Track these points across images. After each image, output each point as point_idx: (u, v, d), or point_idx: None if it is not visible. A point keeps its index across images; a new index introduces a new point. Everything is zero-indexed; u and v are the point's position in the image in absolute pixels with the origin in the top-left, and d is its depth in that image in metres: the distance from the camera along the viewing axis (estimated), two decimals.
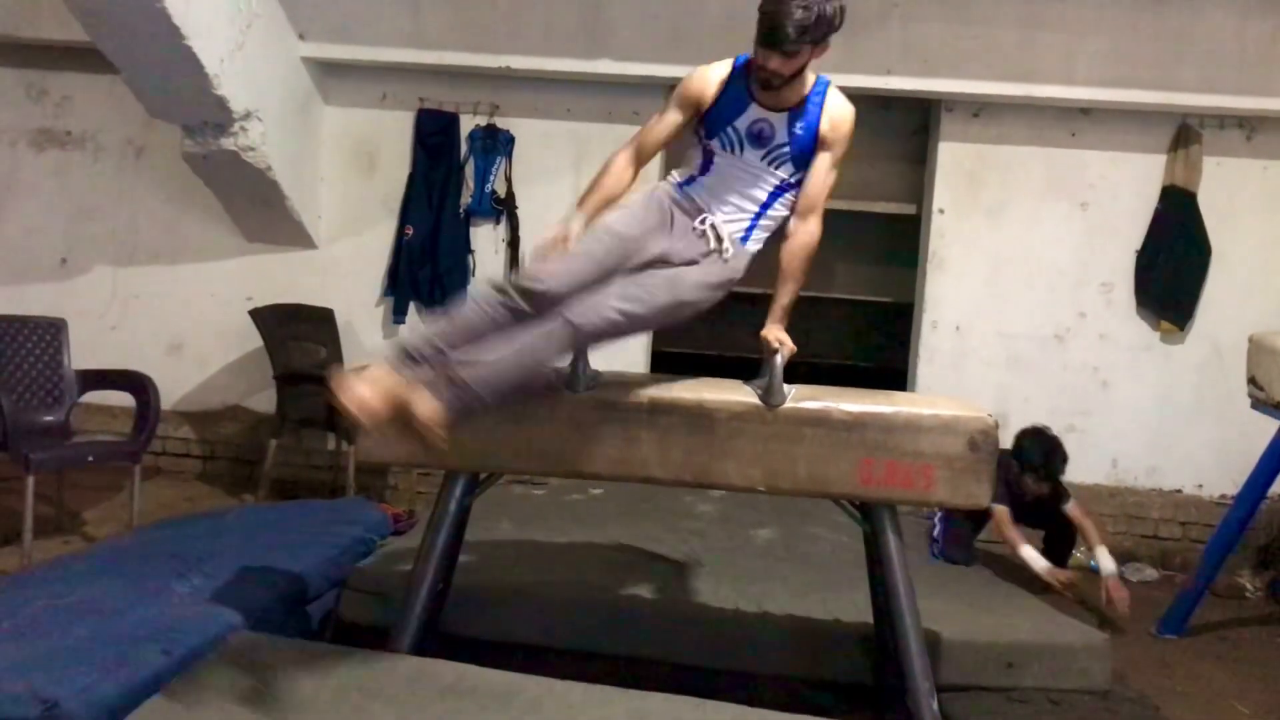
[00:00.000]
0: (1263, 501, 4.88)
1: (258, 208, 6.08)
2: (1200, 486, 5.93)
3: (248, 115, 5.46)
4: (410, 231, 6.14)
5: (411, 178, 6.21)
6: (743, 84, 2.91)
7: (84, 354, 5.38)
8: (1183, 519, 5.88)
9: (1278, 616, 5.12)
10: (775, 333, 2.92)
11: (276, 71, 5.73)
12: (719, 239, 2.90)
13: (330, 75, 6.22)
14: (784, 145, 2.91)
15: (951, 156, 6.06)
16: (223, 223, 6.30)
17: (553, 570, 3.89)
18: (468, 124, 6.19)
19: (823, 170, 2.97)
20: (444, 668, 2.77)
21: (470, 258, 6.21)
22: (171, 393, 6.15)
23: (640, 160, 3.00)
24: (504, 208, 6.19)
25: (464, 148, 6.19)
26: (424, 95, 6.19)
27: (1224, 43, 5.51)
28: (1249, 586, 5.43)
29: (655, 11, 5.62)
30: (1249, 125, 5.85)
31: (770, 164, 2.93)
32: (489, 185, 6.17)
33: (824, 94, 2.93)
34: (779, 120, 2.90)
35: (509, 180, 6.18)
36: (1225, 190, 5.86)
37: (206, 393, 6.45)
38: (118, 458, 5.00)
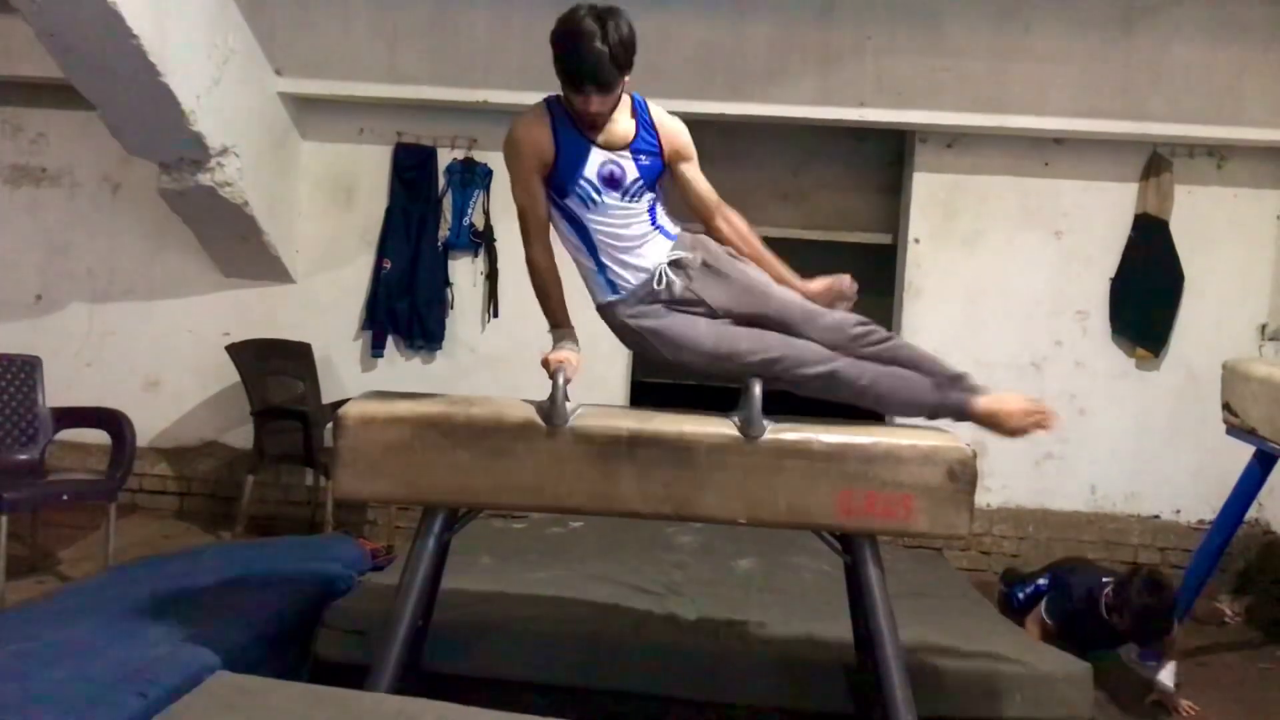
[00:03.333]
0: (1240, 526, 4.92)
1: (235, 243, 6.07)
2: (1178, 512, 5.96)
3: (224, 151, 5.46)
4: (388, 265, 6.14)
5: (389, 211, 6.22)
6: (573, 129, 2.84)
7: (59, 391, 5.35)
8: (1161, 544, 5.90)
9: (1257, 641, 5.14)
10: (820, 281, 3.07)
11: (253, 107, 5.74)
12: (675, 269, 2.91)
13: (307, 110, 6.23)
14: (636, 179, 2.88)
15: (926, 187, 6.11)
16: (200, 258, 6.28)
17: (534, 605, 3.87)
18: (445, 158, 6.21)
19: (694, 177, 3.00)
20: (424, 706, 2.74)
21: (449, 291, 6.21)
22: (148, 429, 6.10)
23: (546, 238, 2.97)
24: (482, 240, 6.19)
25: (442, 181, 6.20)
26: (401, 129, 6.21)
27: (1193, 72, 5.59)
28: (1228, 611, 5.44)
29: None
30: (1219, 154, 5.92)
31: (630, 200, 2.89)
32: (467, 218, 6.18)
33: (648, 115, 2.92)
34: (623, 158, 2.87)
35: (487, 213, 6.20)
36: (1197, 218, 5.92)
37: (183, 429, 6.40)
38: (93, 496, 4.96)
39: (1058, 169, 6.02)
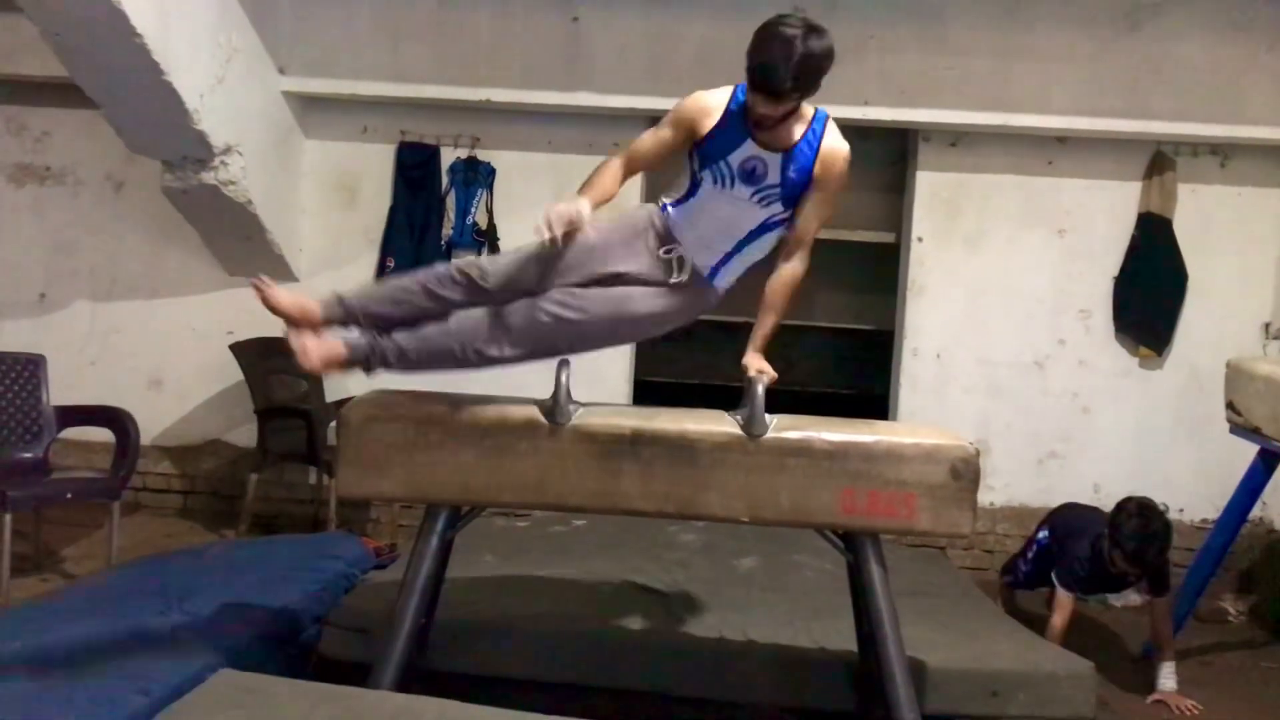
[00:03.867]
0: (1243, 525, 4.92)
1: (238, 241, 6.07)
2: (1181, 511, 5.94)
3: (228, 149, 5.46)
4: (391, 264, 6.14)
5: (393, 210, 6.22)
6: (740, 118, 2.87)
7: (63, 390, 5.35)
8: None
9: (1260, 640, 5.13)
10: (755, 361, 2.94)
11: (257, 106, 5.74)
12: (680, 269, 2.90)
13: (311, 109, 6.24)
14: (775, 186, 2.89)
15: (929, 185, 6.11)
16: (203, 257, 6.29)
17: (536, 603, 3.87)
18: (449, 156, 6.21)
19: (813, 207, 2.96)
20: (427, 704, 2.74)
21: None
22: (151, 428, 6.11)
23: (629, 172, 2.99)
24: (485, 239, 6.19)
25: (445, 180, 6.21)
26: (405, 128, 6.21)
27: (1197, 71, 5.59)
28: (1231, 611, 5.44)
29: (634, 44, 5.66)
30: (1222, 152, 5.91)
31: (758, 201, 2.91)
32: (470, 217, 6.18)
33: (820, 132, 2.92)
34: (773, 160, 2.87)
35: (490, 212, 6.20)
36: (1200, 216, 5.92)
37: (187, 427, 6.41)
38: (97, 494, 4.97)
39: (1061, 167, 6.01)
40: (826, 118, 2.95)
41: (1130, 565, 4.21)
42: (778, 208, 2.93)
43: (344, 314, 2.88)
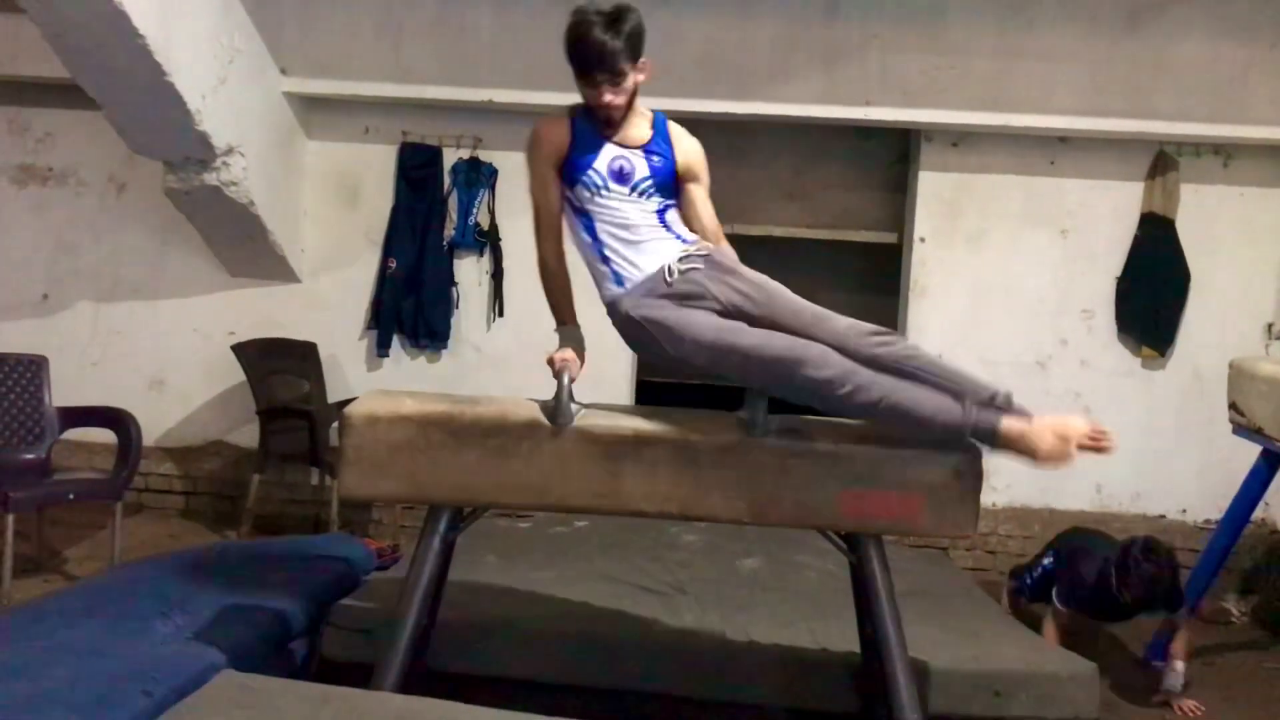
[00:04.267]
0: (1246, 526, 4.91)
1: (240, 242, 6.08)
2: (1184, 512, 5.95)
3: (230, 150, 5.46)
4: (393, 264, 6.14)
5: (394, 211, 6.22)
6: (589, 125, 2.93)
7: (65, 391, 5.35)
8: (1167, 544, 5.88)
9: (1263, 641, 5.13)
10: None
11: (259, 106, 5.74)
12: (682, 263, 2.90)
13: (313, 109, 6.24)
14: (647, 178, 2.94)
15: (931, 185, 6.10)
16: (205, 257, 6.29)
17: (539, 604, 3.87)
18: (451, 157, 6.21)
19: (701, 201, 3.05)
20: (430, 705, 2.75)
21: (454, 290, 6.21)
22: (153, 428, 6.11)
23: (557, 236, 3.02)
24: (487, 240, 6.20)
25: (447, 181, 6.20)
26: (407, 129, 6.21)
27: (1199, 70, 5.58)
28: (1234, 611, 5.44)
29: None
30: (1225, 152, 5.91)
31: (639, 196, 2.94)
32: (472, 218, 6.18)
33: (666, 128, 3.01)
34: (635, 156, 2.94)
35: (492, 213, 6.20)
36: (1203, 217, 5.91)
37: (189, 428, 6.41)
38: (99, 495, 4.97)
39: (1063, 168, 6.00)
40: (664, 116, 3.04)
41: (1141, 600, 4.15)
42: (658, 198, 2.97)
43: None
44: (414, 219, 6.19)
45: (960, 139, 6.03)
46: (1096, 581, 4.29)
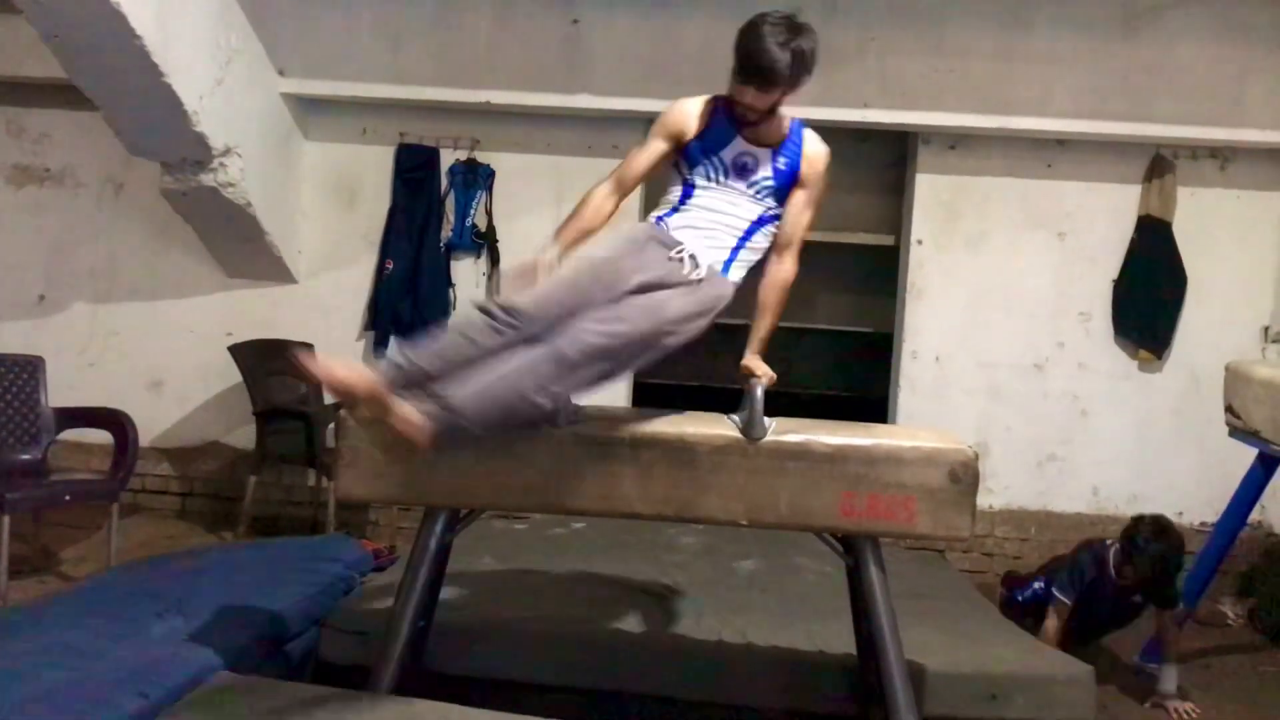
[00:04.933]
0: (1242, 529, 4.91)
1: (237, 243, 6.07)
2: (1180, 514, 5.93)
3: (227, 151, 5.46)
4: (391, 266, 6.13)
5: (392, 212, 6.21)
6: (725, 117, 2.96)
7: (62, 391, 5.35)
8: None
9: (1259, 644, 5.13)
10: (754, 363, 2.96)
11: (256, 107, 5.74)
12: (695, 265, 2.88)
13: (310, 110, 6.24)
14: (768, 178, 2.97)
15: (929, 188, 6.11)
16: (202, 258, 6.28)
17: (536, 605, 3.87)
18: (448, 158, 6.20)
19: (799, 207, 3.04)
20: (426, 707, 2.75)
21: (451, 291, 6.20)
22: (150, 429, 6.10)
23: (622, 191, 3.02)
24: (484, 241, 6.19)
25: (444, 182, 6.20)
26: (404, 130, 6.21)
27: (1197, 74, 5.59)
28: (1230, 614, 5.44)
29: (633, 46, 5.65)
30: (1222, 155, 5.91)
31: (754, 195, 2.98)
32: (469, 219, 6.18)
33: (800, 135, 3.02)
34: (763, 155, 2.97)
35: (489, 214, 6.20)
36: (1200, 220, 5.92)
37: (186, 429, 6.40)
38: (96, 496, 4.97)
39: (1061, 170, 6.01)
40: (803, 124, 3.05)
41: (1143, 580, 4.18)
42: (771, 202, 3.00)
43: (404, 381, 2.57)
44: (411, 220, 6.18)
45: (958, 141, 6.03)
46: (1095, 568, 4.33)
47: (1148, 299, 5.89)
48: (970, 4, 5.63)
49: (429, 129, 6.19)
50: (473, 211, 6.18)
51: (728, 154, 2.96)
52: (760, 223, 3.00)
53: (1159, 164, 5.90)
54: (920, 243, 6.12)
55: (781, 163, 2.98)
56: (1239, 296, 5.94)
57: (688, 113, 3.01)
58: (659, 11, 5.58)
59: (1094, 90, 5.65)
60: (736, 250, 2.97)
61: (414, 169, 6.20)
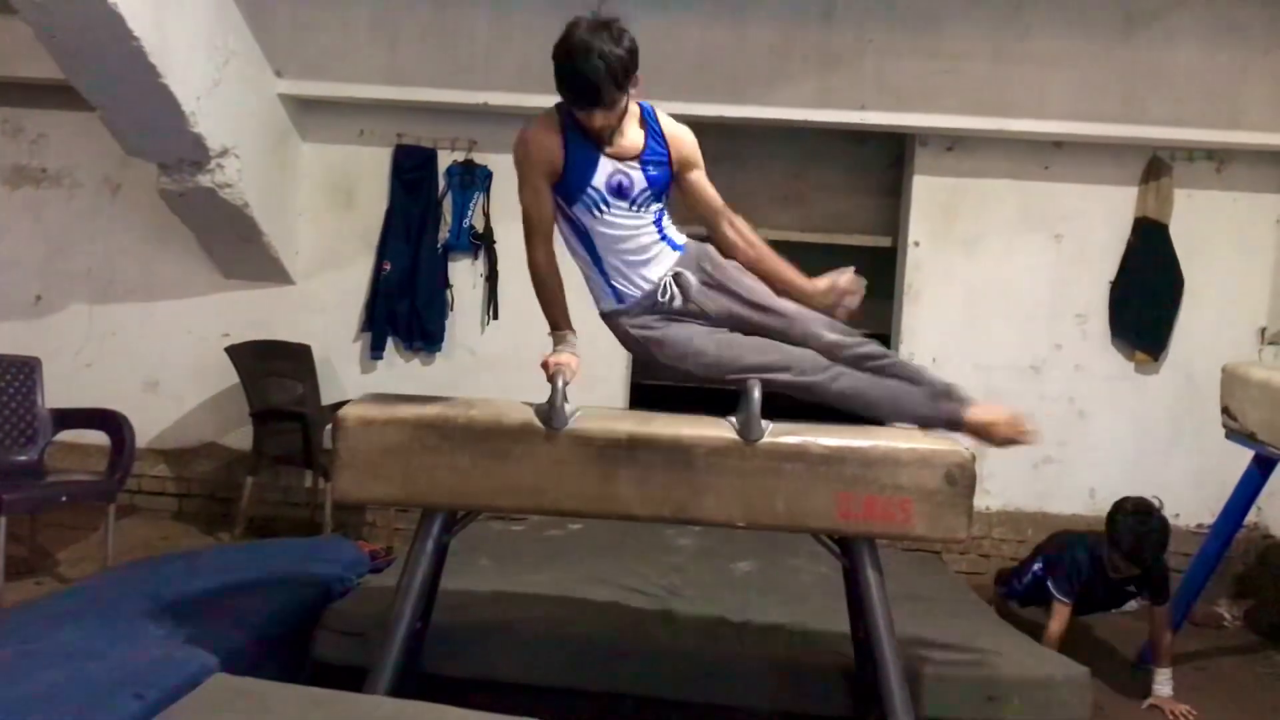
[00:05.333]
0: (1238, 530, 4.92)
1: (234, 244, 6.07)
2: (1177, 516, 5.92)
3: (224, 152, 5.46)
4: (388, 267, 6.13)
5: (389, 213, 6.21)
6: (581, 140, 2.84)
7: (58, 392, 5.35)
8: None
9: (1255, 645, 5.14)
10: (821, 280, 3.10)
11: (253, 108, 5.74)
12: (675, 285, 2.91)
13: (307, 112, 6.23)
14: (644, 189, 2.89)
15: (926, 190, 6.11)
16: (199, 259, 6.28)
17: (533, 607, 3.87)
18: (445, 159, 6.21)
19: (700, 187, 3.01)
20: (423, 709, 2.74)
21: (448, 293, 6.21)
22: (147, 430, 6.10)
23: (549, 240, 2.96)
24: (482, 243, 6.20)
25: (442, 183, 6.20)
26: (401, 131, 6.21)
27: (1193, 76, 5.60)
28: (1227, 615, 5.45)
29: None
30: (1219, 157, 5.92)
31: (637, 211, 2.91)
32: (467, 220, 6.18)
33: (658, 123, 2.94)
34: (632, 169, 2.87)
35: (487, 215, 6.20)
36: (1196, 222, 5.92)
37: (182, 430, 6.40)
38: (92, 497, 4.96)
39: (1057, 172, 6.02)
40: (652, 109, 2.97)
41: (1128, 564, 4.23)
42: (654, 204, 2.94)
43: None
44: (409, 221, 6.19)
45: (955, 143, 6.04)
46: (1090, 560, 4.35)
47: (1144, 301, 5.90)
48: (967, 6, 5.64)
49: (426, 130, 6.19)
50: (470, 213, 6.18)
51: (599, 179, 2.85)
52: (659, 223, 2.96)
53: (1156, 166, 5.90)
54: (917, 244, 6.12)
55: (651, 169, 2.89)
56: (1235, 298, 5.95)
57: (547, 145, 2.85)
58: (656, 13, 5.58)
59: (1091, 92, 5.65)
60: (664, 239, 2.96)
61: (411, 170, 6.20)
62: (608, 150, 2.85)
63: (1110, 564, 4.30)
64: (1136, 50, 5.61)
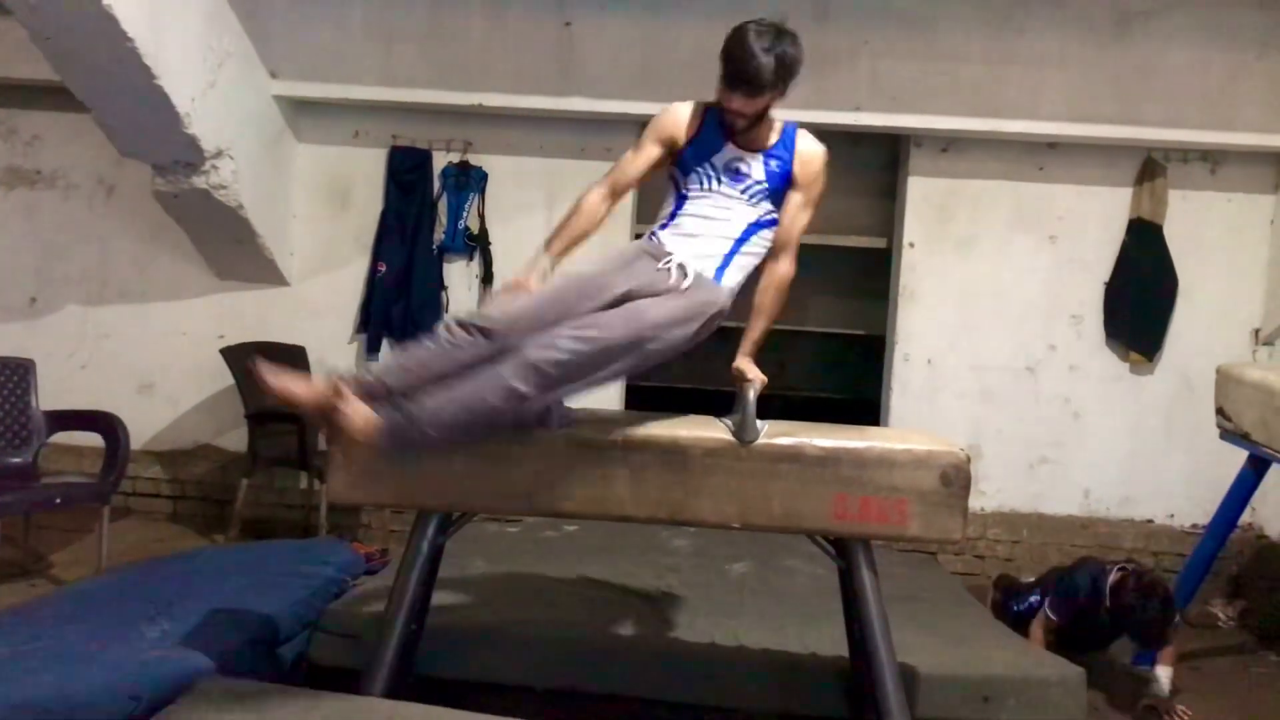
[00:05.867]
0: (1233, 530, 4.93)
1: (229, 246, 6.06)
2: (1172, 516, 5.97)
3: (219, 153, 5.45)
4: (383, 268, 6.13)
5: (384, 214, 6.21)
6: (716, 123, 2.98)
7: (53, 394, 5.34)
8: (1155, 549, 5.89)
9: (1250, 645, 5.14)
10: (746, 365, 2.97)
11: (248, 109, 5.73)
12: (683, 274, 2.86)
13: (302, 113, 6.23)
14: (761, 182, 2.98)
15: (921, 191, 6.12)
16: (194, 261, 6.27)
17: (528, 608, 3.87)
18: (440, 161, 6.20)
19: (795, 208, 3.04)
20: (418, 710, 2.74)
21: (443, 294, 6.20)
22: (142, 432, 6.09)
23: (615, 195, 3.02)
24: (477, 244, 6.19)
25: (437, 184, 6.20)
26: (397, 132, 6.20)
27: (1187, 77, 5.60)
28: (1221, 616, 5.45)
29: (626, 49, 5.65)
30: (1213, 158, 5.93)
31: (748, 199, 2.98)
32: (462, 222, 6.17)
33: (794, 137, 3.02)
34: (754, 159, 2.98)
35: (482, 217, 6.19)
36: (1191, 222, 5.93)
37: (177, 432, 6.39)
38: (86, 499, 4.95)
39: (1052, 173, 6.02)
40: (797, 126, 3.05)
41: (1116, 628, 4.27)
42: (766, 205, 3.00)
43: (366, 392, 2.59)
44: (404, 223, 6.18)
45: (950, 144, 6.04)
46: (1090, 590, 4.32)
47: (1139, 301, 5.91)
48: (962, 8, 5.64)
49: (421, 131, 6.19)
50: (465, 214, 6.18)
51: (719, 160, 2.97)
52: (757, 226, 3.00)
53: (1150, 167, 5.91)
54: (912, 245, 6.13)
55: (774, 165, 2.98)
56: (1229, 299, 5.96)
57: (680, 118, 3.02)
58: (651, 14, 5.58)
59: (1085, 93, 5.66)
60: (731, 255, 2.96)
61: (406, 171, 6.19)
62: (735, 140, 2.96)
63: (1104, 604, 4.25)
64: (1131, 51, 5.62)
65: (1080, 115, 5.68)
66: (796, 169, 3.00)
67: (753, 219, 2.99)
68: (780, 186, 3.01)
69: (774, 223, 3.03)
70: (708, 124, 2.98)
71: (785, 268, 3.05)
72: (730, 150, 2.97)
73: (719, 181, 2.97)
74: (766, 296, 3.04)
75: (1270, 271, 5.93)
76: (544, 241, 2.96)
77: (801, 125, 3.05)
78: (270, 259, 6.12)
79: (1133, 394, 6.02)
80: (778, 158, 2.99)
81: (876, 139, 6.35)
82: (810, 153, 3.02)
